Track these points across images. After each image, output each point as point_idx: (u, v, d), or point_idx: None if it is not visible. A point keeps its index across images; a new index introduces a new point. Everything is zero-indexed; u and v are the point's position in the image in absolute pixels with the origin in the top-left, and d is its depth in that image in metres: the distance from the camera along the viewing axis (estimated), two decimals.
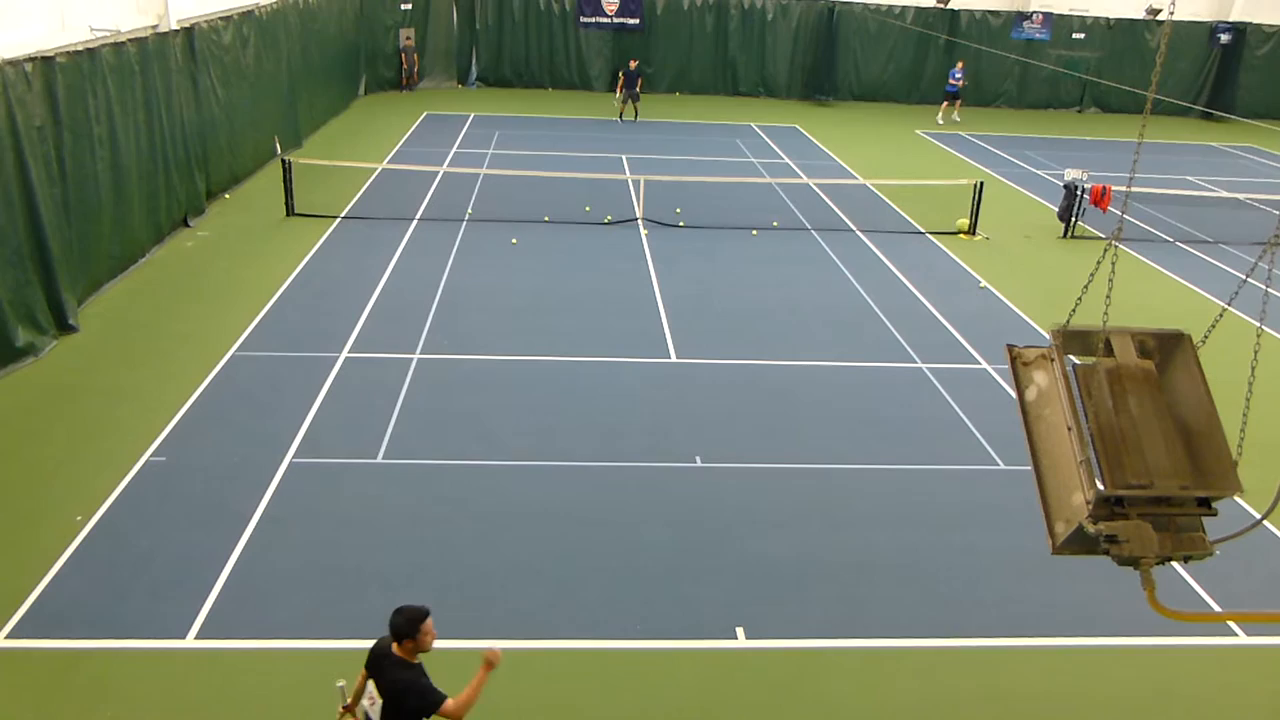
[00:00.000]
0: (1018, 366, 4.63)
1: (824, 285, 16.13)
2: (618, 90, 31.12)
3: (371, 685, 5.56)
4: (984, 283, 16.67)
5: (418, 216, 18.66)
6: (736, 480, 10.08)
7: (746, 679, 7.43)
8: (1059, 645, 7.96)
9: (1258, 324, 4.86)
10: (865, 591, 8.49)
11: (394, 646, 5.43)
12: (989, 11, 36.23)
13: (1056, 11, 36.31)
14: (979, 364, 13.28)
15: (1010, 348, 4.69)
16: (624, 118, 30.31)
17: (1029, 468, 4.44)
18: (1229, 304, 4.84)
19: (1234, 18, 36.73)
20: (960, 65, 32.83)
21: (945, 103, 32.82)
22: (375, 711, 5.52)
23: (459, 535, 8.93)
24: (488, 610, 7.99)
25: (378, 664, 5.50)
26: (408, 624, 5.37)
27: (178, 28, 17.17)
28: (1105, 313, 4.64)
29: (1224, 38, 36.87)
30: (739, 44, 35.65)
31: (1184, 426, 4.31)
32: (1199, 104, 35.43)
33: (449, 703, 5.30)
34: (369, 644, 7.05)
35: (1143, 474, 4.13)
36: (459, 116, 29.13)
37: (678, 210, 19.69)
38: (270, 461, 9.92)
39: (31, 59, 12.25)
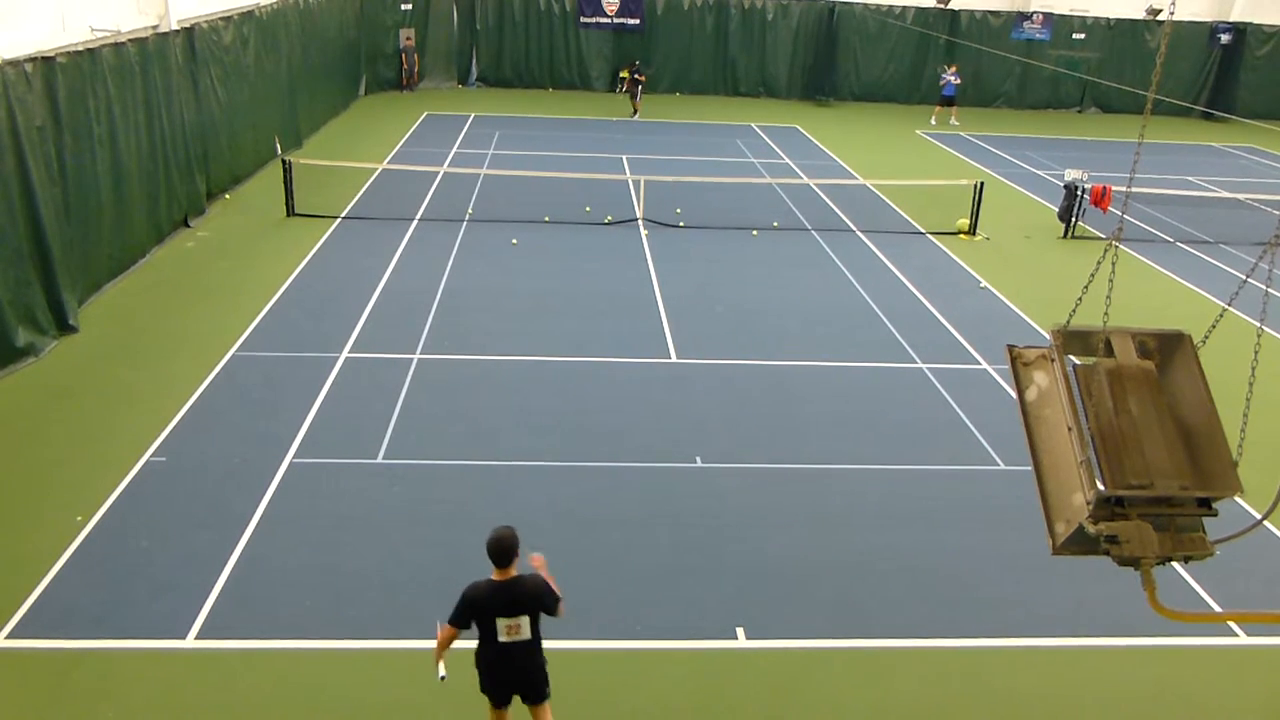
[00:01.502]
0: (1018, 367, 4.63)
1: (824, 285, 16.13)
2: (625, 89, 31.37)
3: (505, 621, 5.79)
4: (984, 283, 16.67)
5: (418, 217, 18.67)
6: (736, 480, 10.08)
7: (747, 679, 7.43)
8: (1060, 645, 7.95)
9: (1258, 324, 4.86)
10: (865, 592, 8.48)
11: (499, 573, 5.81)
12: (989, 12, 36.24)
13: (1057, 12, 36.32)
14: (979, 364, 13.28)
15: (1010, 348, 4.69)
16: (636, 115, 30.50)
17: (1029, 468, 4.44)
18: (1229, 304, 4.83)
19: (1234, 18, 36.74)
20: (954, 69, 32.41)
21: (940, 106, 32.66)
22: (524, 632, 5.84)
23: (459, 536, 8.91)
24: None
25: (504, 599, 5.80)
26: (514, 537, 5.82)
27: (178, 28, 17.18)
28: (1105, 313, 4.64)
29: (1224, 38, 36.87)
30: (739, 44, 35.68)
31: (1184, 427, 4.31)
32: (1199, 104, 35.44)
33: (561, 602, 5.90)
34: (369, 644, 7.08)
35: (1143, 474, 4.14)
36: (459, 117, 29.15)
37: (678, 210, 19.69)
38: (270, 462, 9.92)
39: (32, 59, 12.25)
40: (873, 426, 11.39)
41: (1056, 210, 20.49)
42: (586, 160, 23.96)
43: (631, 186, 21.30)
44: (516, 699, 6.13)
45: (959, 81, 32.39)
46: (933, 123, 32.30)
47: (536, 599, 5.84)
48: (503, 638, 5.83)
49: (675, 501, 9.66)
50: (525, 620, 5.82)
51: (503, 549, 5.78)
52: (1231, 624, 8.27)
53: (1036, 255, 18.65)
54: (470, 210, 19.21)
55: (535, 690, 6.07)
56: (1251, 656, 8.02)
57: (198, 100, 17.77)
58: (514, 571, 5.84)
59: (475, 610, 5.84)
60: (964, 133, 31.30)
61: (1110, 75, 35.69)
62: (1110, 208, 19.67)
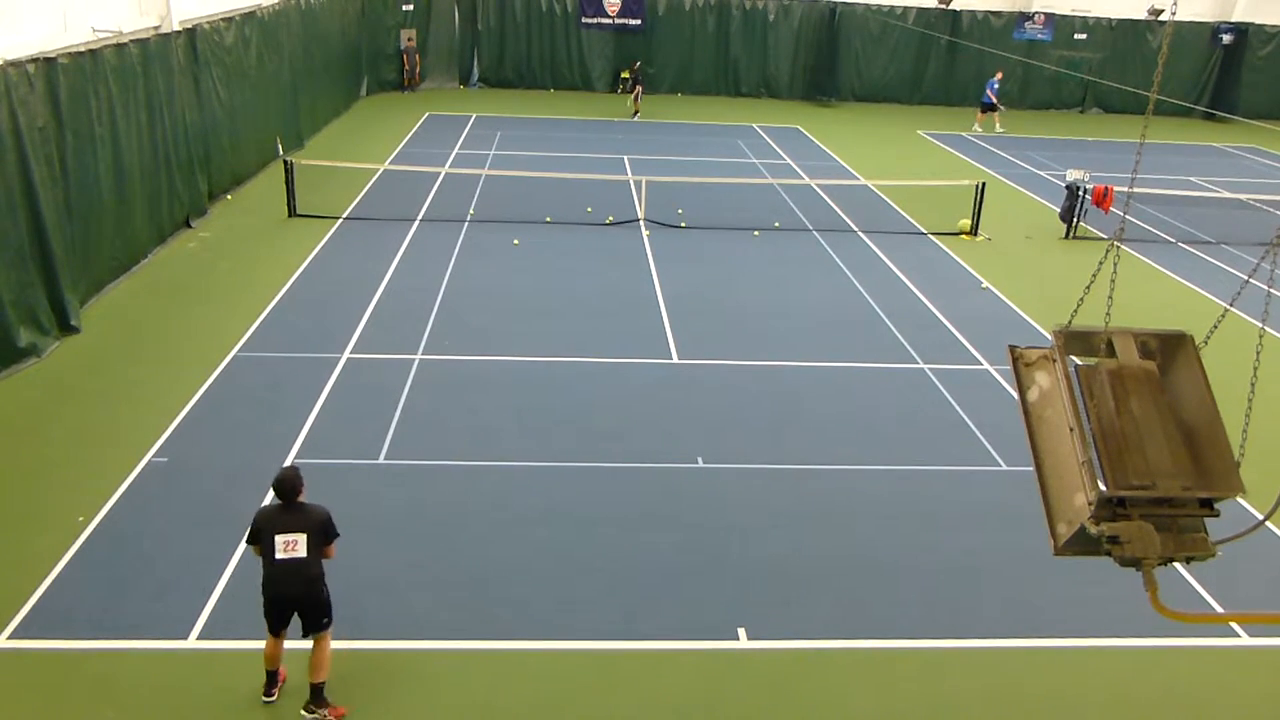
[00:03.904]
0: (1020, 367, 4.63)
1: (826, 286, 16.12)
2: (631, 89, 31.35)
3: (283, 537, 6.56)
4: (986, 283, 16.66)
5: (419, 217, 18.67)
6: (738, 481, 10.08)
7: (748, 679, 7.43)
8: (1061, 646, 7.95)
9: (1260, 325, 4.86)
10: (867, 592, 8.48)
11: (290, 502, 6.64)
12: (991, 12, 36.24)
13: (1058, 12, 36.32)
14: (981, 364, 13.27)
15: (1012, 348, 4.69)
16: (637, 115, 30.53)
17: (1031, 468, 4.44)
18: (1231, 305, 4.83)
19: (1236, 18, 36.72)
20: (999, 76, 31.74)
21: (982, 113, 31.98)
22: (301, 549, 6.57)
23: (460, 536, 8.93)
24: (489, 611, 8.00)
25: (284, 518, 6.63)
26: (298, 475, 6.71)
27: (180, 29, 17.19)
28: (1107, 313, 4.64)
29: (1226, 38, 36.85)
30: (741, 45, 35.67)
31: (1186, 427, 4.30)
32: (1201, 104, 35.41)
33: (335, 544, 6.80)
34: (370, 644, 7.09)
35: (1145, 475, 4.13)
36: (461, 117, 29.16)
37: (679, 211, 19.69)
38: (272, 462, 9.91)
39: (34, 60, 12.26)
40: (874, 427, 11.38)
41: (1058, 211, 20.48)
42: (588, 161, 23.96)
43: (633, 187, 21.30)
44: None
45: (993, 91, 31.55)
46: (977, 129, 31.87)
47: (319, 523, 6.65)
48: (280, 554, 6.53)
49: (676, 502, 9.66)
50: (303, 538, 6.55)
51: (283, 487, 6.64)
52: (1233, 625, 8.27)
53: (1038, 256, 18.64)
54: (472, 211, 19.22)
55: (313, 615, 6.68)
56: (1253, 657, 8.02)
57: (199, 101, 17.78)
58: (293, 501, 6.70)
59: (259, 528, 6.64)
60: (965, 133, 31.29)
61: (1112, 75, 35.67)
62: (1112, 208, 19.65)
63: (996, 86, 31.56)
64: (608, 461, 10.33)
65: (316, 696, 6.77)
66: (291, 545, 6.54)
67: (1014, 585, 8.65)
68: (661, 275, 16.13)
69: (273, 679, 6.92)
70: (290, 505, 6.67)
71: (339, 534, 6.80)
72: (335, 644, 7.45)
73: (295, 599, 6.64)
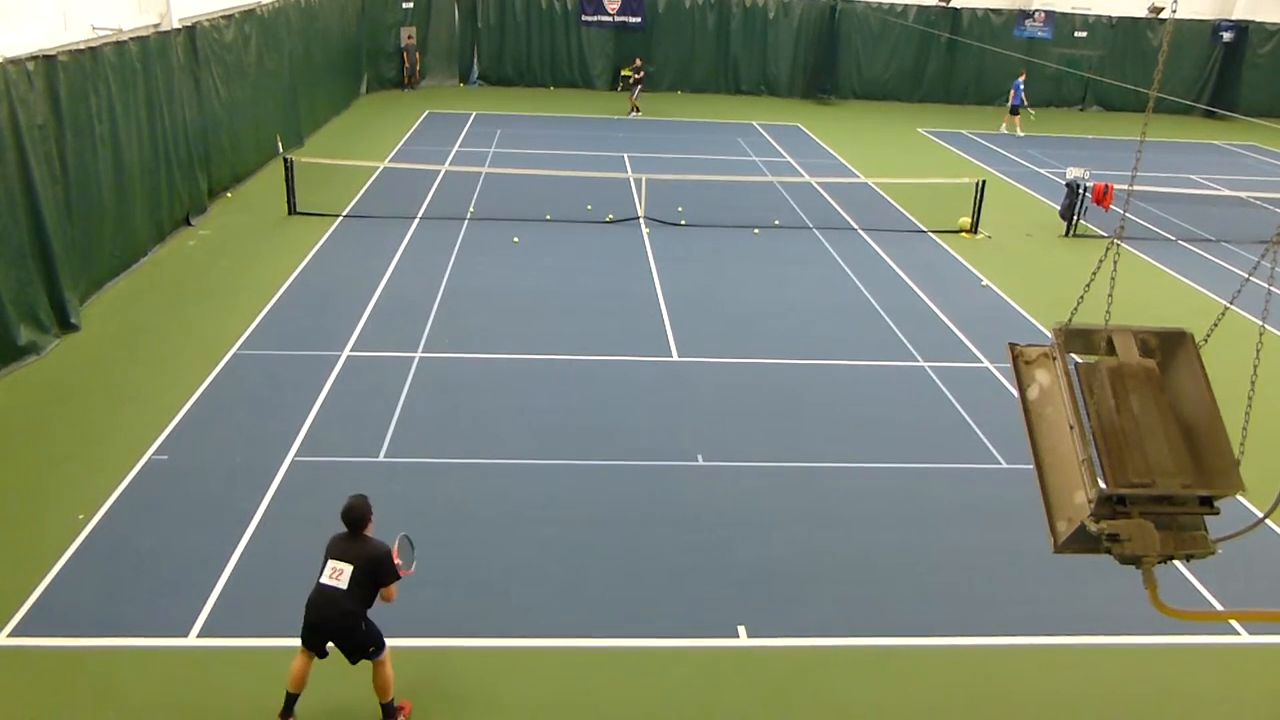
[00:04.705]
0: (1020, 365, 4.63)
1: (826, 284, 16.12)
2: (630, 87, 31.34)
3: (333, 564, 6.51)
4: (986, 281, 16.65)
5: (419, 215, 18.67)
6: (738, 479, 10.08)
7: (748, 677, 7.43)
8: (1061, 644, 7.95)
9: (1260, 323, 4.86)
10: (867, 590, 8.48)
11: (353, 532, 6.56)
12: (991, 10, 36.20)
13: (1059, 10, 36.28)
14: (981, 362, 13.27)
15: (1012, 346, 4.68)
16: (635, 114, 30.51)
17: (1031, 466, 4.44)
18: (1231, 303, 4.83)
19: (1236, 16, 36.68)
20: (1023, 76, 31.08)
21: (1011, 114, 31.42)
22: (343, 580, 6.45)
23: (461, 534, 8.94)
24: (490, 609, 8.00)
25: (342, 546, 6.56)
26: (367, 506, 6.63)
27: (180, 26, 17.17)
28: (1107, 311, 4.64)
29: (1226, 36, 36.82)
30: (741, 42, 35.67)
31: (1186, 425, 4.30)
32: (1201, 102, 35.39)
33: (395, 586, 6.58)
34: None
35: (1145, 473, 4.13)
36: (461, 115, 29.14)
37: (679, 209, 19.68)
38: (272, 460, 9.93)
39: (34, 58, 12.26)
40: (874, 425, 11.38)
41: (1058, 208, 20.47)
42: (588, 158, 23.95)
43: (633, 185, 21.29)
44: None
45: (1017, 90, 31.02)
46: (1004, 130, 31.55)
47: (369, 558, 6.49)
48: (325, 579, 6.49)
49: (676, 500, 9.66)
50: (348, 569, 6.45)
51: (349, 516, 6.58)
52: (1233, 623, 8.27)
53: (1038, 253, 18.64)
54: (472, 209, 19.21)
55: (350, 647, 6.57)
56: (1254, 655, 8.02)
57: (199, 98, 17.77)
58: (366, 534, 6.63)
59: (325, 553, 6.63)
60: (965, 131, 31.26)
61: (1112, 73, 35.63)
62: (1112, 206, 19.64)
63: (1022, 86, 31.16)
64: (607, 459, 10.33)
65: (386, 714, 6.75)
66: (336, 574, 6.47)
67: (1014, 583, 8.66)
68: (661, 273, 16.12)
69: (291, 702, 6.64)
70: (354, 535, 6.58)
71: (399, 576, 6.55)
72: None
73: (329, 629, 6.53)
